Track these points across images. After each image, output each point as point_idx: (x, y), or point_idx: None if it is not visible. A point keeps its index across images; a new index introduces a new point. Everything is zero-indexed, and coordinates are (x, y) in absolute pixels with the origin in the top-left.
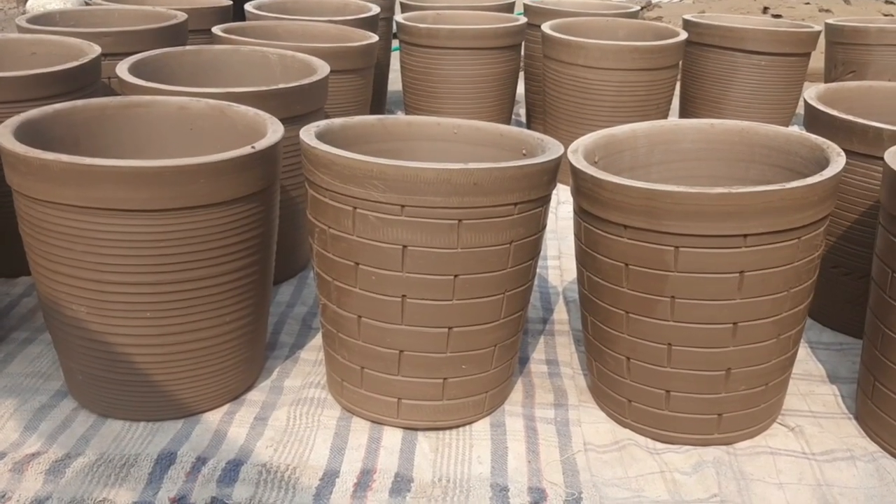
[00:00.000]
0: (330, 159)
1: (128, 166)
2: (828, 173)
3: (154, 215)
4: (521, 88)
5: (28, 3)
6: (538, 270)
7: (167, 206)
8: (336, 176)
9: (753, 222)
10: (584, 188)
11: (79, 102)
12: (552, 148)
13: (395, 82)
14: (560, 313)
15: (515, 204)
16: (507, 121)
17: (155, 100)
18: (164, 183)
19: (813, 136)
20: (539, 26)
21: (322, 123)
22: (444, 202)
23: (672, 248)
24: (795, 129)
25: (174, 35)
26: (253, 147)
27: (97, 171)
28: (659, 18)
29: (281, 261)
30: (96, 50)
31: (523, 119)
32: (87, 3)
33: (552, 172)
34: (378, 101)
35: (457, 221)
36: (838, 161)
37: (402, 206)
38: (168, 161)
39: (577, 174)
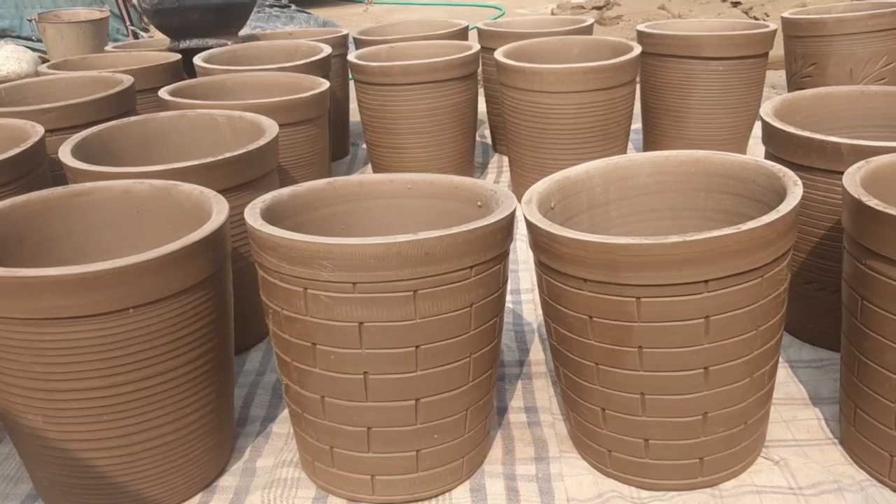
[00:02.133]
0: (276, 242)
1: (65, 274)
2: (784, 208)
3: (99, 319)
4: (483, 107)
5: None
6: (511, 307)
7: (111, 309)
8: (283, 258)
9: (713, 267)
10: (540, 242)
11: (18, 199)
12: (504, 201)
13: (356, 113)
14: (536, 353)
15: (472, 267)
16: (472, 149)
17: (98, 186)
18: (104, 286)
19: (769, 164)
20: (493, 50)
21: (269, 196)
22: (396, 275)
23: (634, 300)
24: (751, 157)
25: (121, 102)
26: (195, 236)
27: (34, 282)
28: (619, 17)
29: (247, 326)
30: (39, 131)
31: (489, 140)
32: (42, 61)
33: (507, 229)
34: (341, 139)
35: (412, 293)
36: (795, 192)
37: (354, 283)
38: (106, 263)
39: (532, 228)
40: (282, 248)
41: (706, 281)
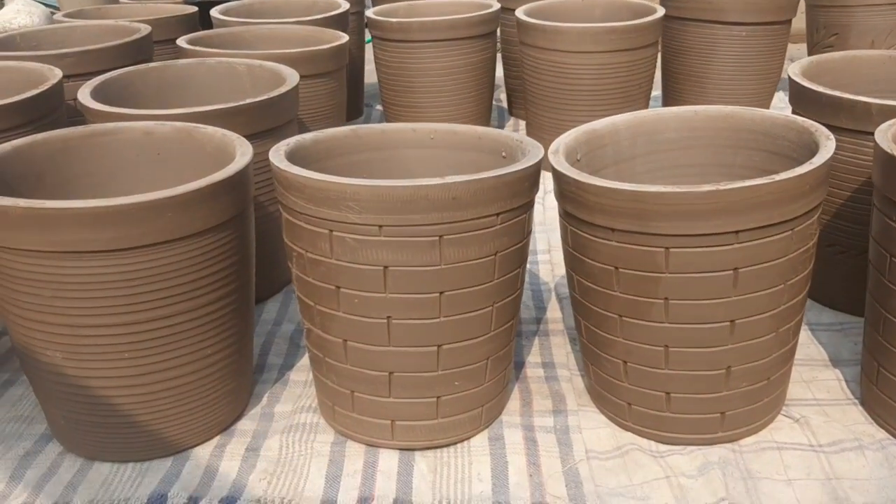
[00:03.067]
0: (301, 182)
1: (88, 207)
2: (818, 161)
3: (122, 254)
4: (500, 72)
5: None
6: (528, 266)
7: (134, 244)
8: (309, 199)
9: (744, 218)
10: (567, 192)
11: (38, 137)
12: (532, 150)
13: (371, 74)
14: (553, 311)
15: (498, 214)
16: (488, 110)
17: (119, 127)
18: (128, 221)
19: (800, 119)
20: (514, 10)
21: (292, 140)
22: (422, 219)
23: (662, 250)
24: (781, 112)
25: (138, 50)
26: (220, 175)
27: (57, 214)
28: None
29: (264, 276)
30: (57, 74)
31: (504, 105)
32: (52, 14)
33: (533, 177)
34: (355, 98)
35: (438, 238)
36: (828, 146)
37: (380, 226)
38: (130, 198)
39: (559, 178)
40: (308, 189)
41: (737, 232)
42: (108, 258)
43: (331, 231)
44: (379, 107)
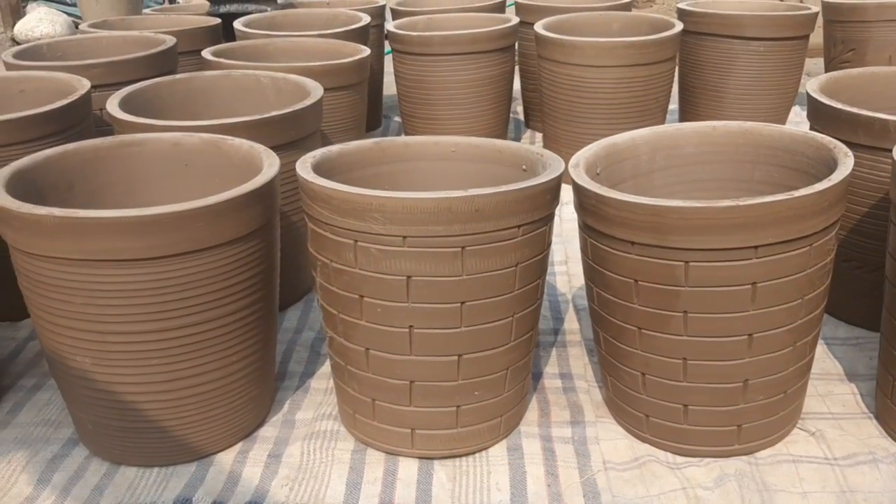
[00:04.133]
0: (328, 194)
1: (123, 216)
2: (836, 177)
3: (153, 263)
4: (517, 84)
5: (16, 28)
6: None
7: (165, 253)
8: (335, 210)
9: (764, 233)
10: (588, 205)
11: (70, 146)
12: (552, 164)
13: (389, 86)
14: (571, 322)
15: (519, 226)
16: (506, 122)
17: (147, 138)
18: (160, 230)
19: (819, 136)
20: (532, 24)
21: (318, 153)
22: (446, 230)
23: (682, 263)
24: (800, 129)
25: (164, 61)
26: (249, 186)
27: (92, 223)
28: (652, 1)
29: (286, 285)
30: (85, 85)
31: (521, 117)
32: (75, 24)
33: (554, 191)
34: (374, 110)
35: (460, 249)
36: (846, 162)
37: (404, 237)
38: (163, 208)
39: (580, 191)
40: (334, 200)
41: (756, 247)
42: (139, 266)
43: (355, 241)
44: (397, 118)
